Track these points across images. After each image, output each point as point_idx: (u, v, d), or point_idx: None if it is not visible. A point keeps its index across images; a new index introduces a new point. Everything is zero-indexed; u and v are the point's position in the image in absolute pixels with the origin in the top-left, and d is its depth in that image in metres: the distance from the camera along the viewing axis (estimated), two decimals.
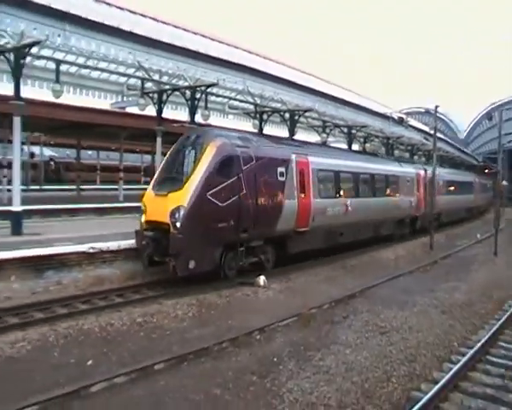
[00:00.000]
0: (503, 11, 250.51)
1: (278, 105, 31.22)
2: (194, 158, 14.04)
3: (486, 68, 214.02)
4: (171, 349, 8.89)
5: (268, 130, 32.19)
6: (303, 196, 16.80)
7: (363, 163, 22.62)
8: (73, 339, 9.32)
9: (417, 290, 14.26)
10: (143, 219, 14.10)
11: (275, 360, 8.61)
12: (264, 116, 30.24)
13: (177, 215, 12.90)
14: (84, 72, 26.47)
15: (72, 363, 8.21)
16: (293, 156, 16.78)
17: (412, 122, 63.41)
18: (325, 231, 18.31)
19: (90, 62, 24.21)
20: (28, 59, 18.85)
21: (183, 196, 13.09)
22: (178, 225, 12.85)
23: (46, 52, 22.01)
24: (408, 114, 74.26)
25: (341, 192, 19.71)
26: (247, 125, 31.87)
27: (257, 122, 30.13)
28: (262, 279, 14.18)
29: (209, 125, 24.25)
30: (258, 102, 29.90)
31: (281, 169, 15.99)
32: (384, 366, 8.34)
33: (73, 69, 25.72)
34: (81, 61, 24.01)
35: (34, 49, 19.05)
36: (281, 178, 15.92)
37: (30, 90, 21.78)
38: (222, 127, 23.00)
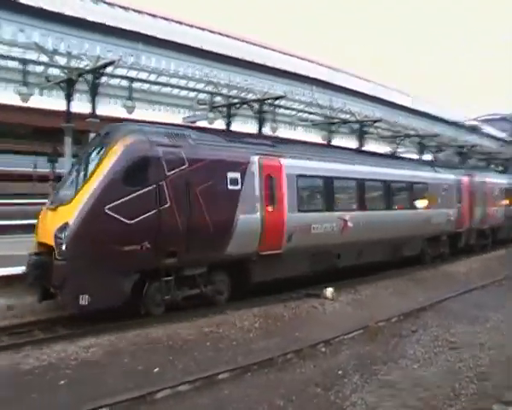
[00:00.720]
0: (503, 11, 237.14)
1: (347, 116, 30.99)
2: (96, 162, 11.00)
3: (487, 70, 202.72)
4: (236, 359, 8.95)
5: (337, 141, 32.00)
6: (271, 209, 13.20)
7: (373, 168, 17.84)
8: (141, 347, 9.58)
9: (490, 305, 13.63)
10: (35, 239, 11.53)
11: (339, 372, 8.48)
12: (334, 127, 30.09)
13: (62, 235, 10.00)
14: (155, 88, 27.41)
15: (139, 370, 8.46)
16: (256, 158, 13.13)
17: (488, 129, 60.97)
18: (310, 254, 14.49)
19: (161, 79, 25.12)
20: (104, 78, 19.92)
21: (71, 211, 10.25)
22: (63, 247, 9.98)
23: (120, 71, 23.05)
24: (486, 121, 71.27)
25: (336, 204, 15.69)
26: (317, 137, 31.84)
27: (325, 133, 30.02)
28: (329, 291, 13.86)
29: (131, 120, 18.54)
30: (327, 113, 29.81)
31: (233, 175, 12.45)
32: (453, 384, 8.01)
33: (146, 86, 26.71)
34: (152, 78, 24.94)
35: (109, 69, 20.02)
36: (233, 187, 12.42)
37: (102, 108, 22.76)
38: (144, 121, 17.70)
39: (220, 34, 34.37)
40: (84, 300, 10.10)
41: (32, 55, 20.99)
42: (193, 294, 12.09)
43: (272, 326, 11.27)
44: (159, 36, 29.29)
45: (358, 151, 28.71)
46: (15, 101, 20.76)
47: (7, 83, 22.80)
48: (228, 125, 24.38)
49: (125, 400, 7.03)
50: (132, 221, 10.51)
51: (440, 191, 21.32)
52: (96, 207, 10.22)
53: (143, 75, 24.64)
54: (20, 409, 6.90)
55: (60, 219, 10.35)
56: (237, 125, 26.46)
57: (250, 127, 28.49)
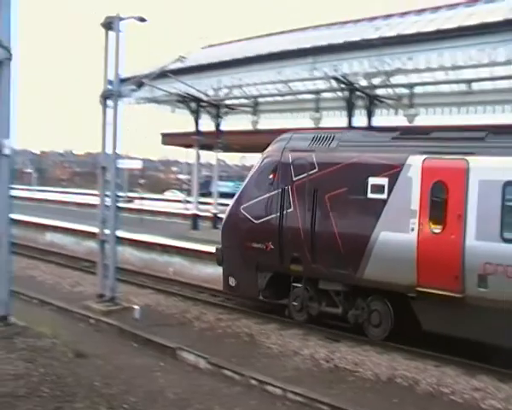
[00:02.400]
0: None
1: None
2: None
3: None
4: None
5: None
6: (437, 230, 10.00)
7: None
8: None
9: None
10: None
11: None
12: None
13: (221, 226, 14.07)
14: None
15: None
16: (417, 159, 10.32)
17: None
18: None
19: None
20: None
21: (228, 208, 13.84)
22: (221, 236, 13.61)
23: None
24: None
25: None
26: None
27: None
28: None
29: None
30: None
31: (376, 181, 10.68)
32: None
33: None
34: None
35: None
36: (375, 196, 10.68)
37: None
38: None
39: None
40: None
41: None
42: (333, 312, 11.48)
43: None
44: None
45: None
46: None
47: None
48: None
49: None
50: (258, 221, 12.08)
51: None
52: (234, 206, 12.77)
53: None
54: None
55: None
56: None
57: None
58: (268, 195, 11.97)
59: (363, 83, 20.13)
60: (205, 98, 23.90)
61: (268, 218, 11.90)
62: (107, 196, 13.75)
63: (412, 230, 10.05)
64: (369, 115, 20.33)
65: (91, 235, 18.45)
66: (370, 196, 10.69)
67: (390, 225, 10.34)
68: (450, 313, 9.72)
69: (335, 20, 26.65)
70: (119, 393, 8.10)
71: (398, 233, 10.20)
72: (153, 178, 78.26)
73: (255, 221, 12.09)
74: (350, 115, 19.91)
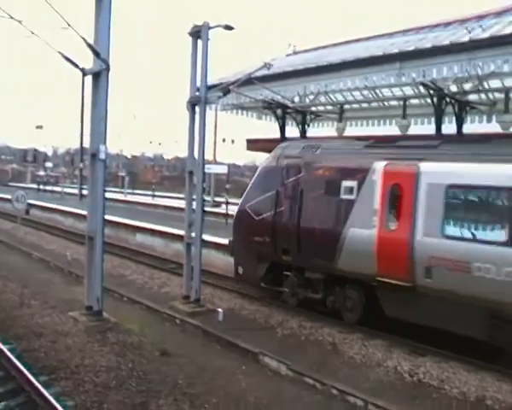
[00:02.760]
0: None
1: None
2: None
3: None
4: None
5: None
6: (393, 226, 11.25)
7: None
8: None
9: None
10: None
11: None
12: None
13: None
14: None
15: None
16: (379, 165, 11.64)
17: None
18: (482, 310, 9.78)
19: None
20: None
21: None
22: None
23: None
24: None
25: None
26: None
27: None
28: None
29: None
30: None
31: (347, 184, 12.15)
32: None
33: None
34: None
35: None
36: (346, 197, 12.12)
37: None
38: None
39: None
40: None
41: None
42: (314, 297, 13.08)
43: None
44: None
45: None
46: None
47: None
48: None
49: None
50: (258, 218, 13.95)
51: None
52: (242, 205, 14.66)
53: None
54: None
55: None
56: None
57: None
58: (266, 195, 13.93)
59: (453, 88, 19.38)
60: (290, 105, 23.97)
61: (265, 215, 13.79)
62: (193, 199, 14.20)
63: (374, 226, 11.48)
64: (460, 122, 19.48)
65: (179, 237, 19.09)
66: (343, 196, 12.29)
67: (357, 223, 11.83)
68: (405, 300, 11.12)
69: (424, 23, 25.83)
70: (202, 393, 8.33)
71: (363, 230, 11.66)
72: (239, 183, 79.60)
73: (256, 218, 14.01)
74: (439, 122, 19.20)
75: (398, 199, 11.30)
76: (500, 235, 9.67)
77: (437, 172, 10.78)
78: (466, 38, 19.94)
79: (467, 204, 10.38)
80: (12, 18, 10.49)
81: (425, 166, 10.97)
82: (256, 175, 14.97)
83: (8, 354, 9.16)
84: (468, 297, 9.84)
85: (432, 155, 11.16)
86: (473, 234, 10.03)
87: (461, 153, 10.88)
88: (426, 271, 10.55)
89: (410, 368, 9.76)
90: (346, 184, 12.27)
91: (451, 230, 10.31)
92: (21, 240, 24.03)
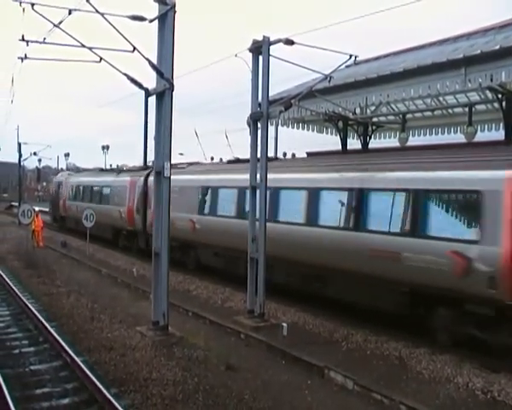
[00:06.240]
0: None
1: None
2: None
3: None
4: None
5: None
6: None
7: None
8: None
9: None
10: None
11: None
12: None
13: None
14: None
15: None
16: None
17: None
18: None
19: None
20: None
21: None
22: None
23: None
24: None
25: None
26: None
27: None
28: None
29: None
30: None
31: None
32: None
33: None
34: None
35: None
36: None
37: None
38: None
39: None
40: None
41: None
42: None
43: None
44: None
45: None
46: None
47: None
48: None
49: None
50: None
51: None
52: None
53: None
54: None
55: None
56: None
57: None
58: None
59: None
60: (352, 117, 23.73)
61: None
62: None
63: None
64: None
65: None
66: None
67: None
68: None
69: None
70: (268, 407, 8.30)
71: None
72: None
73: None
74: (509, 128, 18.38)
75: None
76: None
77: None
78: None
79: None
80: (90, 49, 11.04)
81: None
82: None
83: (82, 366, 9.52)
84: None
85: None
86: None
87: None
88: None
89: (484, 385, 9.30)
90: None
91: None
92: (90, 256, 25.06)
